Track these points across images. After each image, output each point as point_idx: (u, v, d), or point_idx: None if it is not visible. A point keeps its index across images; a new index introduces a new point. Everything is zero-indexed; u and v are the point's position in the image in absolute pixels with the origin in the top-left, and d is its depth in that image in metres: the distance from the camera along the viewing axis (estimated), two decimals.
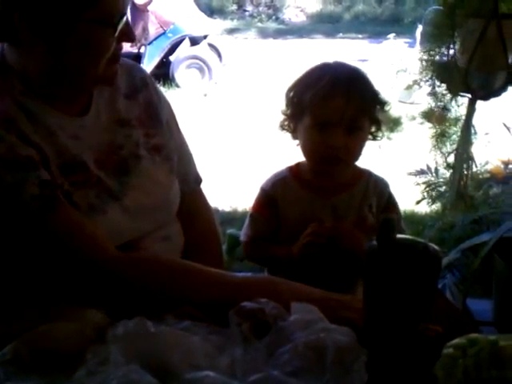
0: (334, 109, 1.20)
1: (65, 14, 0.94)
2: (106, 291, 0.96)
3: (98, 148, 1.07)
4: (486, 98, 2.19)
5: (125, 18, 1.01)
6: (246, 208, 3.54)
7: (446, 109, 2.41)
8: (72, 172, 1.01)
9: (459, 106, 2.35)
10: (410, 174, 2.47)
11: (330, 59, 1.34)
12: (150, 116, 1.17)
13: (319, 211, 1.27)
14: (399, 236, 0.90)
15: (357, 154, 1.26)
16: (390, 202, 1.31)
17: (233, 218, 3.42)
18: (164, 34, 6.76)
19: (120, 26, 1.00)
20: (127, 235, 1.06)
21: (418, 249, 0.88)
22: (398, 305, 0.86)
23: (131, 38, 1.04)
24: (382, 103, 1.27)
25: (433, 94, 2.40)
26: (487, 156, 2.31)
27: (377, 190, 1.30)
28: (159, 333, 0.86)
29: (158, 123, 1.18)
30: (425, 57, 2.49)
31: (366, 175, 1.31)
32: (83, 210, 1.00)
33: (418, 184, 2.43)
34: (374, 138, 1.29)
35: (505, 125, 1.98)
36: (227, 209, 3.58)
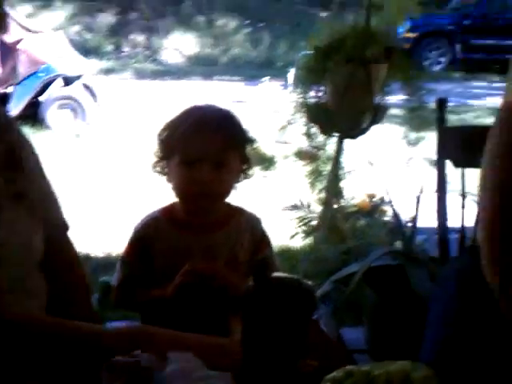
0: (200, 144, 1.24)
1: None
2: None
3: None
4: (354, 136, 2.32)
5: None
6: (120, 253, 3.42)
7: (317, 148, 2.51)
8: None
9: (328, 145, 2.47)
10: (285, 209, 2.55)
11: (204, 101, 1.37)
12: (11, 160, 1.08)
13: (192, 250, 1.27)
14: (274, 275, 0.91)
15: (226, 189, 1.28)
16: (263, 239, 1.35)
17: (106, 265, 3.27)
18: (35, 73, 6.51)
19: None
20: None
21: (292, 286, 0.89)
22: (276, 344, 0.87)
23: None
24: (250, 141, 1.30)
25: (305, 134, 2.50)
26: (354, 191, 2.44)
27: (249, 226, 1.33)
28: None
29: (20, 169, 1.09)
30: (297, 99, 2.60)
31: (239, 212, 1.33)
32: None
33: (292, 219, 2.51)
34: (246, 177, 1.32)
35: (369, 162, 2.11)
36: (100, 254, 3.44)
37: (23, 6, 13.20)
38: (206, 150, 1.23)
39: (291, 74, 5.97)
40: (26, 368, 0.87)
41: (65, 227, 1.24)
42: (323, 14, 13.53)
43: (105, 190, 4.65)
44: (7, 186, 1.05)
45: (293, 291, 0.89)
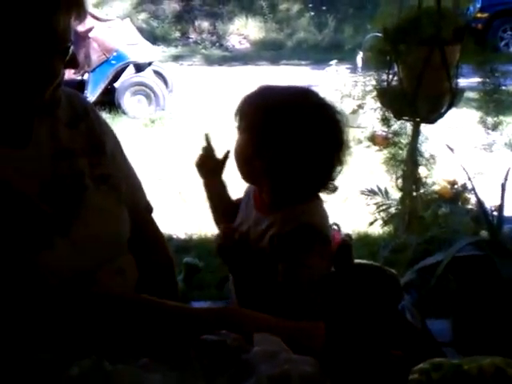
0: None
1: (13, 43, 0.92)
2: (66, 324, 0.93)
3: (42, 181, 1.03)
4: (432, 121, 2.26)
5: (72, 46, 1.00)
6: (202, 235, 3.50)
7: (392, 133, 2.46)
8: (17, 206, 0.97)
9: (403, 130, 2.41)
10: (363, 192, 2.50)
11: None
12: (93, 145, 1.14)
13: None
14: (357, 261, 0.91)
15: None
16: None
17: (188, 246, 3.36)
18: (107, 60, 6.69)
19: (69, 54, 0.99)
20: (78, 268, 1.02)
21: (376, 273, 0.89)
22: (359, 330, 0.86)
23: (76, 65, 1.04)
24: None
25: (381, 119, 2.44)
26: (434, 177, 2.37)
27: None
28: (116, 372, 0.83)
29: (102, 152, 1.15)
30: (367, 82, 2.55)
31: None
32: (30, 247, 0.96)
33: (369, 205, 2.46)
34: None
35: (448, 146, 2.04)
36: (182, 236, 3.52)
37: None
38: None
39: (359, 56, 5.88)
40: (118, 344, 0.92)
41: (148, 208, 1.30)
42: None
43: (182, 173, 4.76)
44: (91, 168, 1.11)
45: (377, 278, 0.89)
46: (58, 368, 0.83)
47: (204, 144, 1.32)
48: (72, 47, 1.00)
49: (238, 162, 1.22)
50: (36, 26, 0.93)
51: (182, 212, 3.89)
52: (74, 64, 1.02)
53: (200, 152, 1.32)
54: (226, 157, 1.32)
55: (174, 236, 3.46)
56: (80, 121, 1.13)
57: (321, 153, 1.16)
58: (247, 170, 1.21)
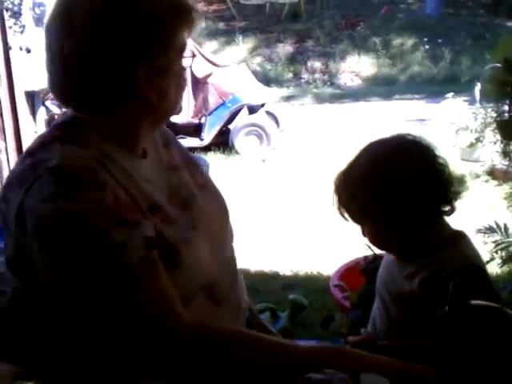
0: None
1: (164, 59, 1.01)
2: (180, 360, 0.95)
3: (164, 188, 1.10)
4: None
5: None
6: (308, 272, 3.49)
7: None
8: (157, 211, 1.04)
9: None
10: (480, 231, 2.37)
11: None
12: (187, 160, 1.22)
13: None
14: (473, 301, 0.86)
15: None
16: None
17: (294, 283, 3.36)
18: (223, 104, 6.99)
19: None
20: (209, 270, 1.07)
21: (494, 314, 0.84)
22: (475, 376, 0.81)
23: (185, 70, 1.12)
24: None
25: (501, 152, 2.33)
26: None
27: None
28: None
29: (196, 166, 1.24)
30: (487, 114, 2.44)
31: None
32: (176, 245, 1.01)
33: (486, 243, 2.32)
34: None
35: None
36: (288, 273, 3.54)
37: (209, 43, 14.31)
38: None
39: (477, 88, 5.66)
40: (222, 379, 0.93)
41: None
42: (509, 24, 12.65)
43: (291, 211, 4.80)
44: (193, 179, 1.19)
45: (496, 320, 0.84)
46: None
47: None
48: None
49: (375, 241, 1.24)
50: (173, 37, 1.02)
51: (288, 249, 3.91)
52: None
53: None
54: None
55: (281, 273, 3.48)
56: (170, 142, 1.21)
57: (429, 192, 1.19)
58: (389, 242, 1.24)
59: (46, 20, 1.07)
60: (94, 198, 0.92)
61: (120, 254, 0.91)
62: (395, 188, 1.17)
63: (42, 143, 1.02)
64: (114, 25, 0.96)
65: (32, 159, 0.97)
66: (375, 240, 1.26)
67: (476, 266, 1.19)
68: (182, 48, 1.04)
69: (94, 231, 0.90)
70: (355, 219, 1.25)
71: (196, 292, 1.04)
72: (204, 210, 1.14)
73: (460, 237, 1.26)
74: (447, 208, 1.22)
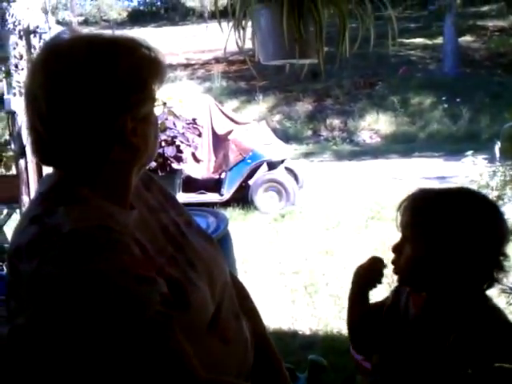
0: None
1: (145, 108, 1.06)
2: None
3: (152, 236, 1.10)
4: None
5: None
6: (328, 331, 3.43)
7: None
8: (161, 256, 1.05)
9: None
10: (504, 290, 2.32)
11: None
12: (169, 198, 1.24)
13: None
14: (497, 364, 0.84)
15: None
16: None
17: (313, 342, 3.30)
18: (243, 160, 7.08)
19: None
20: (211, 307, 1.07)
21: None
22: None
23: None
24: None
25: None
26: None
27: None
28: None
29: (178, 205, 1.25)
30: (507, 172, 2.44)
31: None
32: (183, 284, 1.02)
33: (511, 304, 2.26)
34: None
35: None
36: (307, 332, 3.48)
37: (231, 102, 14.64)
38: None
39: (497, 147, 5.67)
40: None
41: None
42: None
43: (311, 267, 4.76)
44: (178, 216, 1.20)
45: None
46: None
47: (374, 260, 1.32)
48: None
49: (407, 269, 1.21)
50: (149, 87, 1.06)
51: (307, 308, 3.86)
52: None
53: (368, 262, 1.32)
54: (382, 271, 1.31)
55: (300, 332, 3.42)
56: (151, 183, 1.23)
57: (485, 252, 1.15)
58: (418, 276, 1.20)
59: (24, 81, 1.08)
60: (112, 257, 0.92)
61: (143, 309, 0.91)
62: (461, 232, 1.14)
63: (46, 208, 1.00)
64: (99, 81, 0.99)
65: (40, 226, 0.96)
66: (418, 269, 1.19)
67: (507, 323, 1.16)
68: (155, 98, 1.09)
69: (116, 290, 0.90)
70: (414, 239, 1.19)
71: (205, 332, 1.05)
72: (196, 246, 1.16)
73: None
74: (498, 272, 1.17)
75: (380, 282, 1.29)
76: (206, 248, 1.18)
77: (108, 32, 1.09)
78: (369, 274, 1.30)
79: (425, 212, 1.18)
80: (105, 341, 0.90)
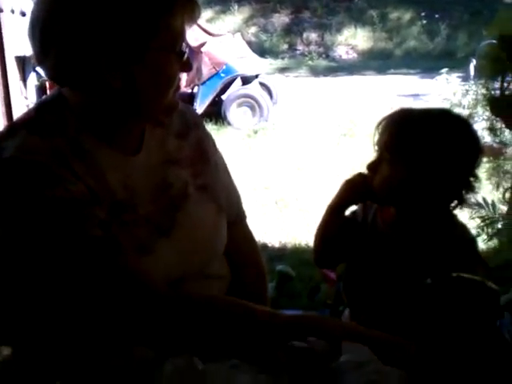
0: None
1: (134, 44, 0.96)
2: (157, 326, 0.97)
3: (148, 187, 1.08)
4: None
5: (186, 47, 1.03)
6: (296, 244, 3.52)
7: (503, 143, 2.34)
8: (121, 211, 1.03)
9: None
10: (469, 206, 2.39)
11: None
12: (199, 155, 1.19)
13: None
14: (455, 274, 0.88)
15: None
16: None
17: (282, 255, 3.40)
18: (217, 74, 6.92)
19: (185, 55, 1.02)
20: (174, 272, 1.07)
21: (476, 286, 0.85)
22: (455, 346, 0.83)
23: (190, 68, 1.06)
24: None
25: (490, 128, 2.34)
26: None
27: None
28: (208, 370, 0.85)
29: (207, 162, 1.20)
30: (479, 91, 2.44)
31: None
32: (131, 251, 1.00)
33: (473, 218, 2.34)
34: None
35: None
36: (276, 245, 3.57)
37: (204, 12, 14.11)
38: None
39: (472, 65, 5.64)
40: (208, 344, 0.95)
41: (243, 216, 1.33)
42: (508, 0, 12.55)
43: (282, 183, 4.81)
44: (195, 178, 1.15)
45: (476, 291, 0.85)
46: (152, 364, 0.87)
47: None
48: (187, 49, 1.03)
49: (380, 185, 1.21)
50: (152, 24, 0.96)
51: (277, 221, 3.93)
52: (188, 67, 1.05)
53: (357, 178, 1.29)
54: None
55: (269, 244, 3.51)
56: (190, 131, 1.18)
57: (459, 169, 1.17)
58: (389, 185, 1.20)
59: None
60: (44, 192, 0.93)
61: (76, 233, 0.94)
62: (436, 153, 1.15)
63: (11, 128, 1.03)
64: (78, 2, 0.93)
65: None
66: (395, 185, 1.19)
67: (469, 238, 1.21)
68: (170, 42, 0.98)
69: (46, 217, 0.93)
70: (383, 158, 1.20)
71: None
72: (195, 213, 1.13)
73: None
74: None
75: (363, 200, 1.29)
76: (208, 217, 1.15)
77: None
78: (355, 189, 1.28)
79: (407, 134, 1.17)
80: (52, 268, 0.95)
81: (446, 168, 1.15)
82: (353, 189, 1.28)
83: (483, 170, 2.37)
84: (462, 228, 1.25)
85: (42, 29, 0.96)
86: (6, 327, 1.05)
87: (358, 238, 1.27)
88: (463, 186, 1.19)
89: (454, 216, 1.24)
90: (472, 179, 1.19)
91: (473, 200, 2.33)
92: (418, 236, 1.19)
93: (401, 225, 1.22)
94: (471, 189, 1.19)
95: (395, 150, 1.18)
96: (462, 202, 1.21)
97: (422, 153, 1.15)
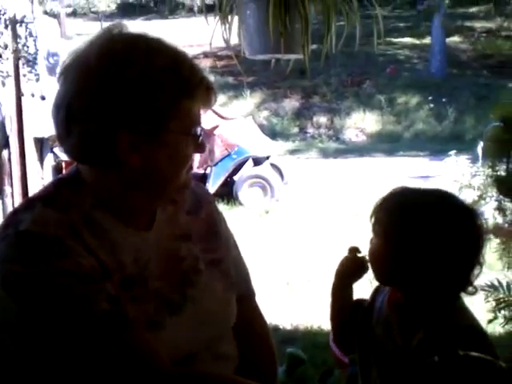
0: None
1: (154, 125, 0.99)
2: None
3: (160, 261, 1.09)
4: None
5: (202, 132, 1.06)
6: (308, 327, 3.45)
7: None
8: (132, 286, 1.03)
9: None
10: (482, 288, 2.33)
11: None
12: (210, 231, 1.20)
13: None
14: (465, 352, 0.86)
15: None
16: None
17: (293, 337, 3.33)
18: (229, 155, 7.09)
19: (200, 137, 1.05)
20: (183, 349, 1.05)
21: (485, 366, 0.84)
22: None
23: (204, 149, 1.09)
24: None
25: (499, 208, 2.34)
26: None
27: None
28: None
29: (218, 238, 1.20)
30: (488, 172, 2.47)
31: None
32: (141, 325, 1.00)
33: (488, 301, 2.29)
34: None
35: None
36: (288, 327, 3.50)
37: (219, 97, 14.54)
38: None
39: (480, 147, 5.73)
40: None
41: (252, 293, 1.31)
42: None
43: (293, 263, 4.79)
44: (205, 253, 1.16)
45: (485, 370, 0.84)
46: None
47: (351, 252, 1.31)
48: (202, 132, 1.06)
49: (374, 263, 1.21)
50: (173, 107, 1.00)
51: (288, 303, 3.88)
52: (202, 148, 1.08)
53: (347, 254, 1.30)
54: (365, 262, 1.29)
55: (281, 326, 3.45)
56: (201, 208, 1.20)
57: (462, 256, 1.13)
58: (384, 271, 1.19)
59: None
60: (54, 264, 0.94)
61: (87, 307, 0.94)
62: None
63: (29, 201, 1.06)
64: (101, 83, 0.97)
65: (12, 218, 1.01)
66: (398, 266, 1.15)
67: (477, 329, 1.12)
68: (188, 125, 1.02)
69: (54, 289, 0.93)
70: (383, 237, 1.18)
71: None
72: (206, 289, 1.12)
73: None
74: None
75: (363, 273, 1.28)
76: (218, 293, 1.15)
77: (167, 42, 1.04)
78: (351, 264, 1.28)
79: (399, 211, 1.16)
80: (56, 339, 0.94)
81: (438, 249, 1.11)
82: (347, 264, 1.28)
83: (494, 250, 2.36)
84: (462, 313, 1.17)
85: (67, 108, 1.00)
86: None
87: (363, 322, 1.25)
88: (467, 269, 1.13)
89: (459, 299, 1.17)
90: (476, 264, 1.14)
91: (487, 282, 2.31)
92: (418, 321, 1.13)
93: (405, 309, 1.17)
94: (476, 273, 1.14)
95: (388, 225, 1.16)
96: (469, 286, 1.15)
97: (413, 230, 1.12)
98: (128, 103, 0.98)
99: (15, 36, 4.89)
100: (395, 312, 1.19)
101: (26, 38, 5.03)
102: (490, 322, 2.34)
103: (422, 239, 1.11)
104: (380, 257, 1.18)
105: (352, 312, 1.29)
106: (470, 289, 1.15)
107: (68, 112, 1.00)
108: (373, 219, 1.21)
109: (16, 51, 4.84)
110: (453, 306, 1.15)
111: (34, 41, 5.38)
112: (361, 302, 1.31)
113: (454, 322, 1.11)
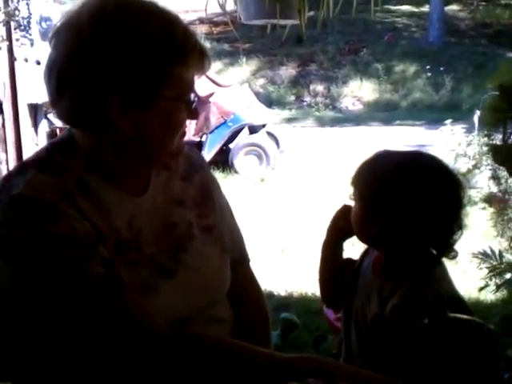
0: None
1: (147, 90, 0.99)
2: (159, 370, 0.96)
3: (153, 227, 1.10)
4: None
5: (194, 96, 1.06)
6: (302, 293, 3.49)
7: (508, 192, 2.36)
8: (126, 251, 1.04)
9: None
10: (475, 255, 2.36)
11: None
12: (204, 197, 1.20)
13: None
14: (453, 314, 0.87)
15: None
16: None
17: (288, 303, 3.37)
18: (225, 123, 7.06)
19: (193, 103, 1.05)
20: (178, 313, 1.07)
21: (473, 327, 0.85)
22: None
23: (197, 116, 1.09)
24: None
25: (494, 177, 2.36)
26: None
27: None
28: None
29: (211, 204, 1.21)
30: (483, 141, 2.47)
31: None
32: (135, 290, 1.01)
33: (481, 268, 2.32)
34: None
35: None
36: (282, 293, 3.54)
37: (214, 64, 14.43)
38: None
39: (476, 116, 5.71)
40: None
41: (247, 258, 1.33)
42: (511, 54, 12.78)
43: (287, 231, 4.82)
44: (199, 219, 1.17)
45: (474, 332, 0.85)
46: None
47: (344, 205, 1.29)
48: (195, 99, 1.06)
49: (355, 226, 1.21)
50: (166, 73, 0.99)
51: (283, 269, 3.92)
52: (195, 115, 1.08)
53: (339, 210, 1.29)
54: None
55: (275, 293, 3.49)
56: (195, 173, 1.20)
57: (438, 218, 1.11)
58: (365, 234, 1.20)
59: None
60: (47, 228, 0.95)
61: (81, 271, 0.94)
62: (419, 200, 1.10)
63: (22, 166, 1.06)
64: (93, 46, 0.97)
65: (5, 182, 1.02)
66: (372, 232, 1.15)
67: (455, 297, 1.11)
68: (181, 91, 1.01)
69: (49, 254, 0.94)
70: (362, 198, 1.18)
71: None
72: (199, 254, 1.12)
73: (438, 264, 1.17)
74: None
75: (347, 236, 1.28)
76: (213, 257, 1.16)
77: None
78: (343, 221, 1.27)
79: (373, 172, 1.17)
80: (51, 303, 0.95)
81: (417, 210, 1.10)
82: (338, 222, 1.27)
83: (488, 217, 2.38)
84: (442, 281, 1.14)
85: (58, 72, 0.99)
86: (6, 364, 1.05)
87: (349, 283, 1.26)
88: (444, 232, 1.12)
89: (440, 269, 1.15)
90: (456, 227, 1.13)
91: (480, 250, 2.33)
92: (396, 285, 1.12)
93: (385, 273, 1.17)
94: (456, 237, 1.13)
95: (363, 191, 1.17)
96: (450, 250, 1.14)
97: (388, 197, 1.12)
98: (119, 66, 0.97)
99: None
100: (377, 276, 1.20)
101: (17, 1, 4.95)
102: (481, 289, 2.38)
103: (395, 199, 1.11)
104: (358, 218, 1.18)
105: (341, 271, 1.29)
106: (452, 254, 1.14)
107: (59, 75, 0.99)
108: (353, 183, 1.21)
109: (8, 14, 4.75)
110: (432, 272, 1.14)
111: (27, 4, 5.28)
112: (351, 262, 1.32)
113: (430, 288, 1.09)
